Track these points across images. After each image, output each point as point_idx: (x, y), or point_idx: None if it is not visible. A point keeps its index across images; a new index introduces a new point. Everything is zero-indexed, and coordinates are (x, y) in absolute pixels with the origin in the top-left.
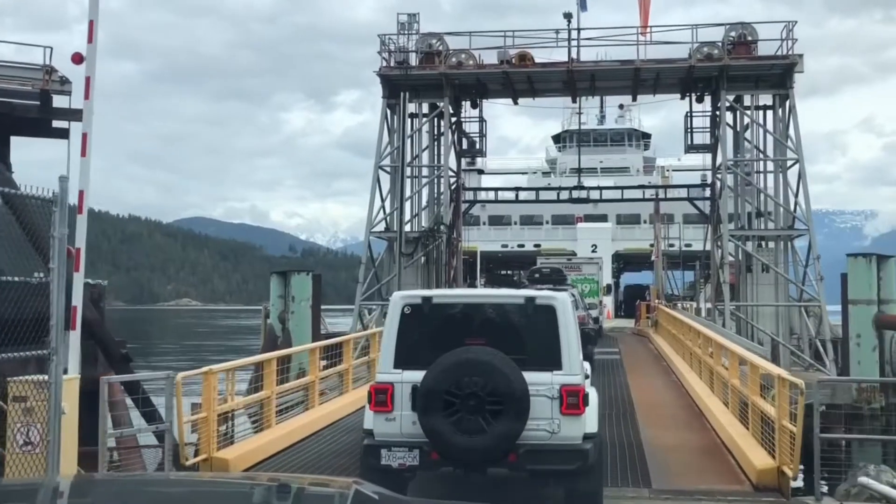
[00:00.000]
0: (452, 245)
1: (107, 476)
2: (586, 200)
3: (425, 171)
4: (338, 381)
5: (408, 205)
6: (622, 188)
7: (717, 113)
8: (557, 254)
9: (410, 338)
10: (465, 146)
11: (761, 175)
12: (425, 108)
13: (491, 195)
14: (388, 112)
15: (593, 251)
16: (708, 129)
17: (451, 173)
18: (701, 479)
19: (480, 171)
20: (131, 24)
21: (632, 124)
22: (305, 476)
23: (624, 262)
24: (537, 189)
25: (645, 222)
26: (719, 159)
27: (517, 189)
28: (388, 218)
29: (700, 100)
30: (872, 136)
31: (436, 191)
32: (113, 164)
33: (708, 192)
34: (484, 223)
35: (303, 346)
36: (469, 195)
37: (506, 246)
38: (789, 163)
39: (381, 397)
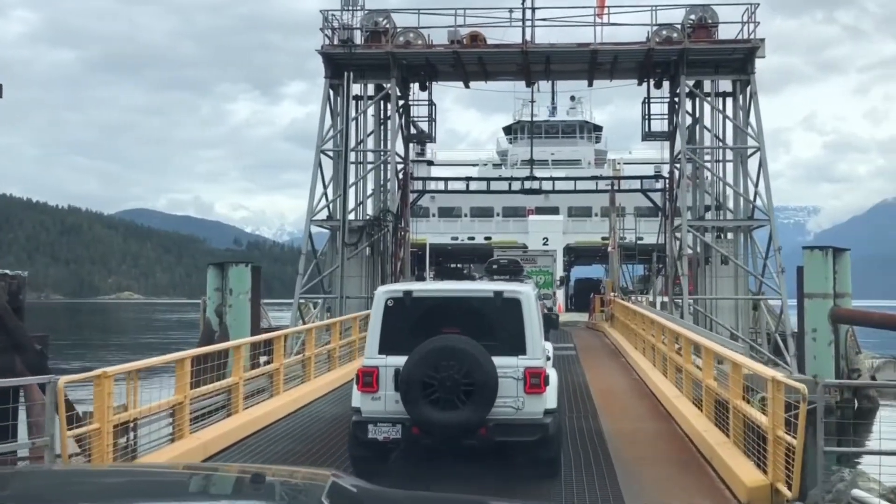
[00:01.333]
0: (399, 235)
1: (75, 466)
2: (538, 191)
3: (371, 157)
4: (268, 382)
5: (352, 192)
6: (575, 179)
7: (676, 99)
8: (509, 246)
9: (393, 327)
10: (413, 131)
11: (720, 164)
12: (371, 91)
13: (441, 186)
14: (331, 93)
15: (545, 244)
16: (665, 117)
17: (398, 159)
18: (682, 497)
19: (430, 163)
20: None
21: (583, 116)
22: (281, 467)
23: (575, 255)
24: (488, 179)
25: (596, 215)
26: (677, 147)
27: (468, 179)
28: (330, 206)
29: (658, 85)
30: (814, 135)
31: (382, 178)
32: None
33: (661, 184)
34: (433, 215)
35: (225, 344)
36: (418, 185)
37: (456, 238)
38: (749, 151)
39: (368, 379)
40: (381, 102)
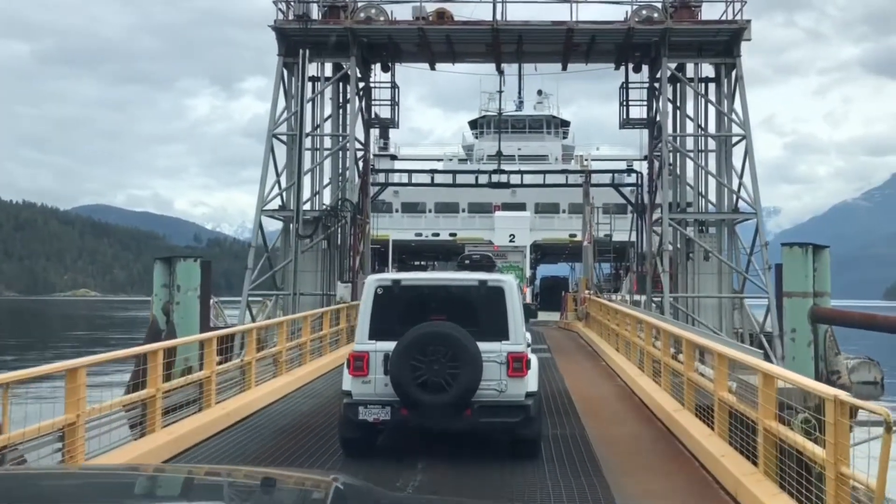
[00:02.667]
0: (358, 227)
1: (80, 466)
2: (506, 185)
3: (328, 143)
4: (196, 392)
5: (307, 180)
6: (544, 172)
7: (657, 84)
8: (475, 243)
9: (382, 314)
10: (374, 116)
11: (702, 154)
12: (329, 72)
13: (404, 179)
14: (285, 73)
15: (511, 241)
16: (644, 103)
17: (358, 146)
18: None
19: (393, 157)
20: (22, 2)
21: (551, 111)
22: (285, 472)
23: (542, 252)
24: (454, 172)
25: (564, 212)
26: (657, 136)
27: (433, 171)
28: (283, 195)
29: (637, 69)
30: (774, 136)
31: (340, 165)
32: (3, 147)
33: (634, 179)
34: (397, 210)
35: (135, 349)
36: (381, 178)
37: (420, 234)
38: (734, 139)
39: (359, 363)
40: (340, 84)
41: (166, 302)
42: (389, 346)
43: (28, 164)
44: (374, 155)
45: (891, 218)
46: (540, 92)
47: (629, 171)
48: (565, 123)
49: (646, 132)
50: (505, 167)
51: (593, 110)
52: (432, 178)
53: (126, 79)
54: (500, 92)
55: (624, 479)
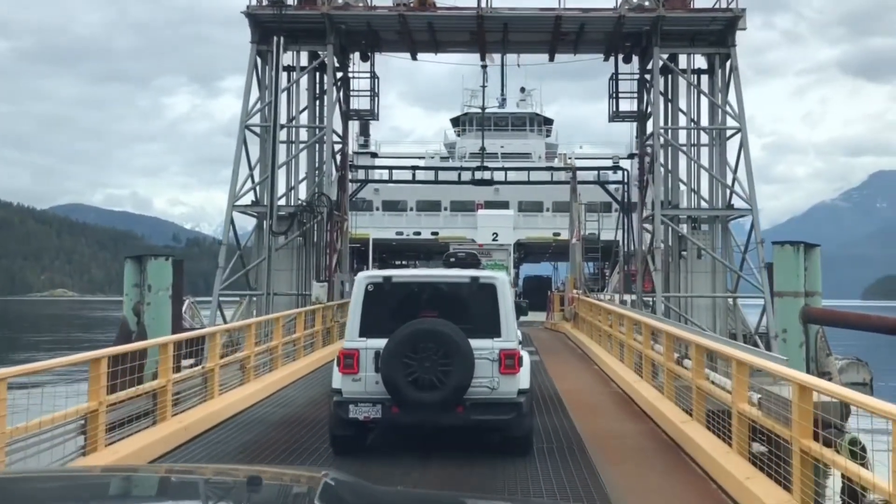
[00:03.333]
0: (335, 223)
1: (61, 470)
2: (490, 182)
3: (304, 136)
4: (150, 403)
5: (282, 174)
6: (528, 169)
7: (648, 76)
8: (458, 241)
9: (373, 311)
10: (352, 107)
11: (694, 148)
12: (305, 61)
13: (385, 177)
14: (259, 62)
15: (494, 239)
16: (634, 95)
17: (336, 139)
18: None
19: (374, 154)
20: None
21: (534, 109)
22: (272, 468)
23: (525, 251)
24: (437, 168)
25: (548, 210)
26: (649, 128)
27: (414, 168)
28: (257, 189)
29: (627, 60)
30: (753, 137)
31: (317, 159)
32: None
33: (620, 176)
34: (377, 208)
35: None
36: (361, 176)
37: (401, 233)
38: (728, 132)
39: (349, 361)
40: (317, 74)
41: (137, 302)
42: (380, 343)
43: (5, 163)
44: (355, 152)
45: (869, 218)
46: (523, 89)
47: (615, 167)
48: (548, 121)
49: (634, 127)
50: (488, 164)
51: (575, 109)
52: (413, 175)
53: (105, 77)
54: (484, 87)
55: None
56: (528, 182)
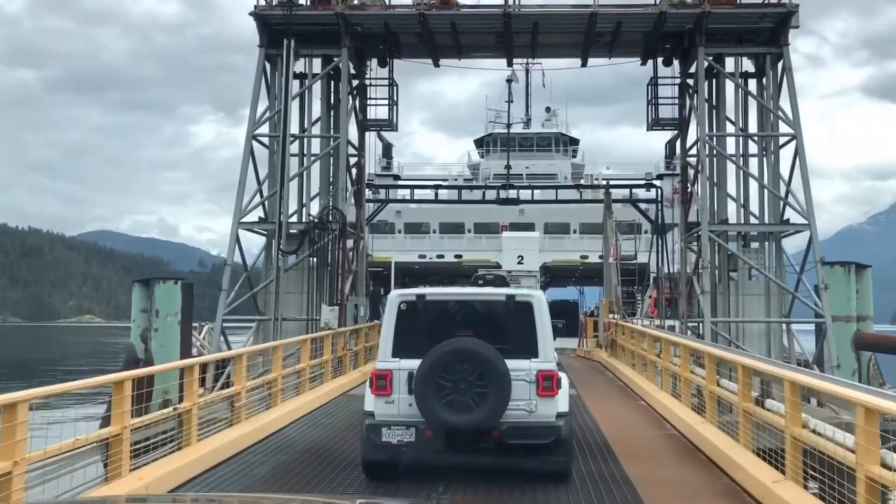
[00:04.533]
0: (346, 241)
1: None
2: (516, 201)
3: (317, 148)
4: (102, 454)
5: (293, 189)
6: (556, 188)
7: (690, 81)
8: (483, 265)
9: (406, 330)
10: (370, 117)
11: (741, 159)
12: (318, 67)
13: (407, 199)
14: (268, 67)
15: (520, 262)
16: (676, 101)
17: (351, 151)
18: None
19: (396, 177)
20: (27, 30)
21: (559, 129)
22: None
23: (551, 275)
24: (460, 187)
25: (574, 232)
26: (690, 138)
27: (437, 186)
28: (265, 204)
29: (668, 63)
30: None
31: (331, 173)
32: (10, 173)
33: (653, 194)
34: (399, 231)
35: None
36: (382, 197)
37: (423, 256)
38: (782, 140)
39: (382, 382)
40: (331, 81)
41: (144, 329)
42: (414, 364)
43: (35, 191)
44: (377, 175)
45: None
46: (548, 109)
47: (648, 185)
48: (574, 141)
49: (665, 147)
50: (514, 183)
51: (597, 135)
52: (436, 195)
53: (130, 105)
54: (509, 103)
55: None
56: (556, 201)
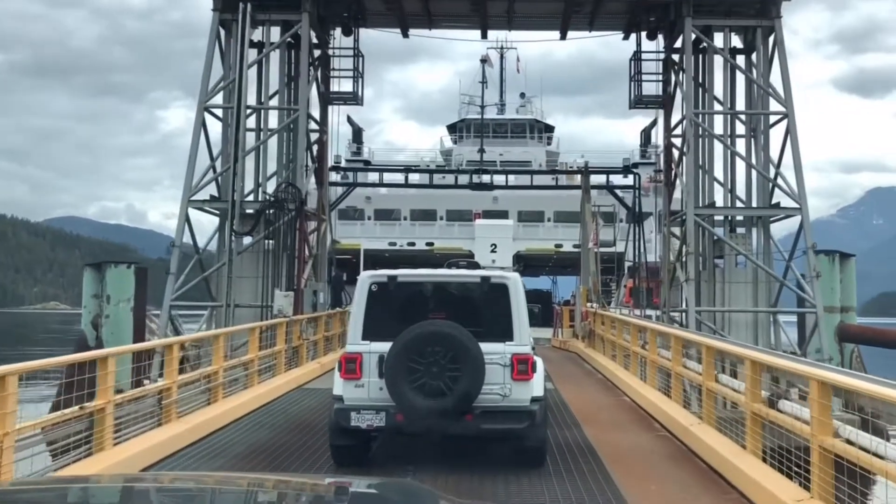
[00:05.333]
0: (306, 221)
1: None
2: (489, 187)
3: (275, 123)
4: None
5: (250, 168)
6: (531, 172)
7: (675, 57)
8: (455, 254)
9: (377, 312)
10: (333, 90)
11: (727, 140)
12: (277, 36)
13: (376, 184)
14: (223, 33)
15: (493, 251)
16: (660, 77)
17: (314, 126)
18: None
19: (366, 163)
20: None
21: (534, 115)
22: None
23: (524, 264)
24: (431, 171)
25: (549, 220)
26: (675, 117)
27: (407, 170)
28: (219, 181)
29: (652, 36)
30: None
31: (290, 149)
32: None
33: (630, 181)
34: (369, 217)
35: None
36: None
37: (393, 244)
38: (773, 119)
39: (351, 366)
40: (292, 52)
41: (96, 315)
42: (384, 346)
43: (2, 176)
44: (347, 160)
45: (866, 235)
46: (523, 95)
47: (626, 170)
48: (549, 128)
49: (641, 135)
50: (486, 175)
51: (570, 125)
52: (406, 179)
53: (100, 90)
54: (483, 83)
55: None
56: (531, 187)
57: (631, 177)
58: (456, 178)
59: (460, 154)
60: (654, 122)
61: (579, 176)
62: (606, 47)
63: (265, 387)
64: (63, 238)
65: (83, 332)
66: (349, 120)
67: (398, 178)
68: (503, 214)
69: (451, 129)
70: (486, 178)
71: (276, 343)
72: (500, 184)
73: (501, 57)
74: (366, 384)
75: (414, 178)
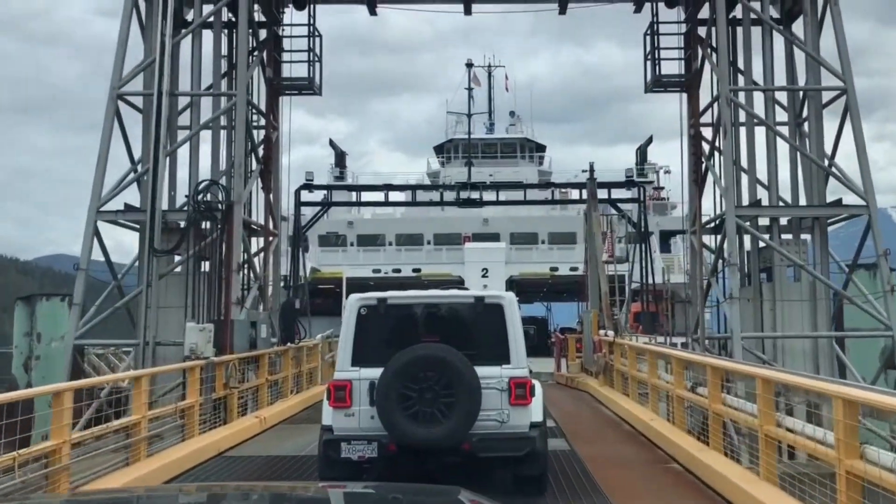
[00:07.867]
0: (231, 227)
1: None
2: (479, 203)
3: (208, 111)
4: None
5: (181, 171)
6: (524, 186)
7: (701, 29)
8: (444, 280)
9: (367, 337)
10: (285, 76)
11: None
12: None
13: (360, 211)
14: (144, 4)
15: (484, 276)
16: (681, 55)
17: (261, 120)
18: None
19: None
20: None
21: (524, 134)
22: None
23: (518, 289)
24: (415, 187)
25: (543, 242)
26: (704, 99)
27: (387, 187)
28: (139, 182)
29: (671, 4)
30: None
31: (231, 147)
32: None
33: (634, 194)
34: (352, 244)
35: None
36: (339, 213)
37: (378, 271)
38: (827, 96)
39: (340, 393)
40: (232, 29)
41: (27, 357)
42: (375, 373)
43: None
44: (330, 186)
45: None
46: (512, 113)
47: (629, 183)
48: (541, 148)
49: (637, 153)
50: (476, 191)
51: (557, 152)
52: (386, 196)
53: (82, 126)
54: (470, 89)
55: None
56: (525, 202)
57: (634, 190)
58: (441, 194)
59: (448, 175)
60: (650, 140)
61: (577, 192)
62: (587, 75)
63: (161, 460)
64: (52, 276)
65: (13, 377)
66: (331, 143)
67: (379, 194)
68: (494, 237)
69: (439, 150)
70: (474, 195)
71: (186, 395)
72: (491, 200)
73: (489, 75)
74: (356, 413)
75: (397, 196)
